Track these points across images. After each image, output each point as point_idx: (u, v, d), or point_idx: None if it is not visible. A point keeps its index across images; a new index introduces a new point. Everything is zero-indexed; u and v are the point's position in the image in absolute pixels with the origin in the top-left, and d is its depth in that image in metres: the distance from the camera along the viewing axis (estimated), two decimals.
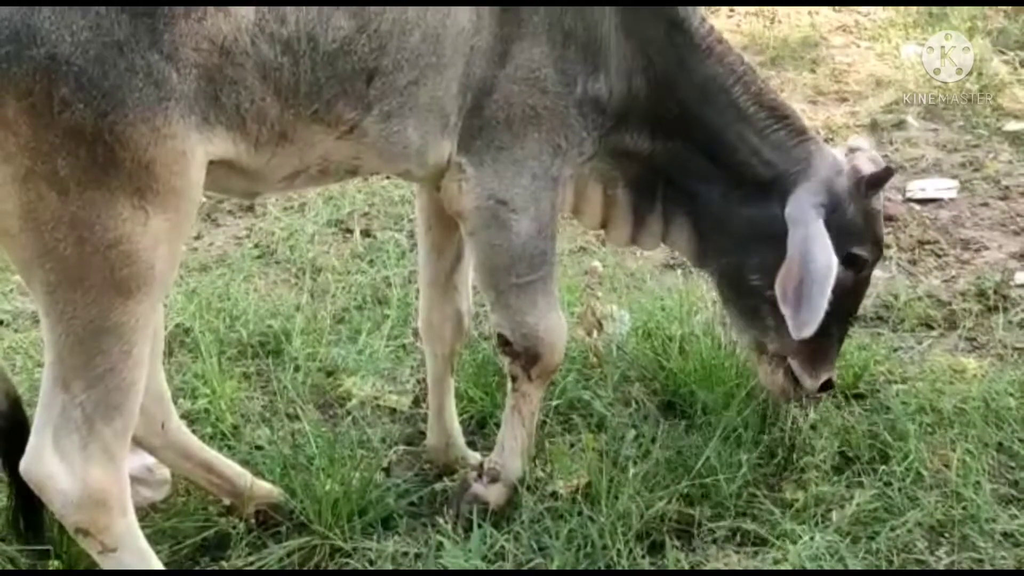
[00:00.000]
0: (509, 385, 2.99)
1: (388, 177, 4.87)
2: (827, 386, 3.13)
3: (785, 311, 2.81)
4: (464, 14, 2.55)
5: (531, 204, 2.76)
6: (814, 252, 2.80)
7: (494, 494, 3.00)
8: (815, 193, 2.89)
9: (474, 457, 3.21)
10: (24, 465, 2.39)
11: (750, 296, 3.02)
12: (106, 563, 2.46)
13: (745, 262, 2.99)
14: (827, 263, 2.79)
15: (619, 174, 2.99)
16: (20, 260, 2.31)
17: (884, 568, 2.82)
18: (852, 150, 3.06)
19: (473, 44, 2.58)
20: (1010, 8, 6.80)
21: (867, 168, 2.97)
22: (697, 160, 2.95)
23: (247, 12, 2.30)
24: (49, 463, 2.35)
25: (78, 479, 2.34)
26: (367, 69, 2.47)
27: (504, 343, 2.91)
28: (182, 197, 2.31)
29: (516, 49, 2.63)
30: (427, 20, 2.50)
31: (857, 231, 2.96)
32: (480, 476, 3.02)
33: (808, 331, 2.79)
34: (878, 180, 2.95)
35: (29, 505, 2.71)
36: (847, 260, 2.92)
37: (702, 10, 2.92)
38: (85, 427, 2.33)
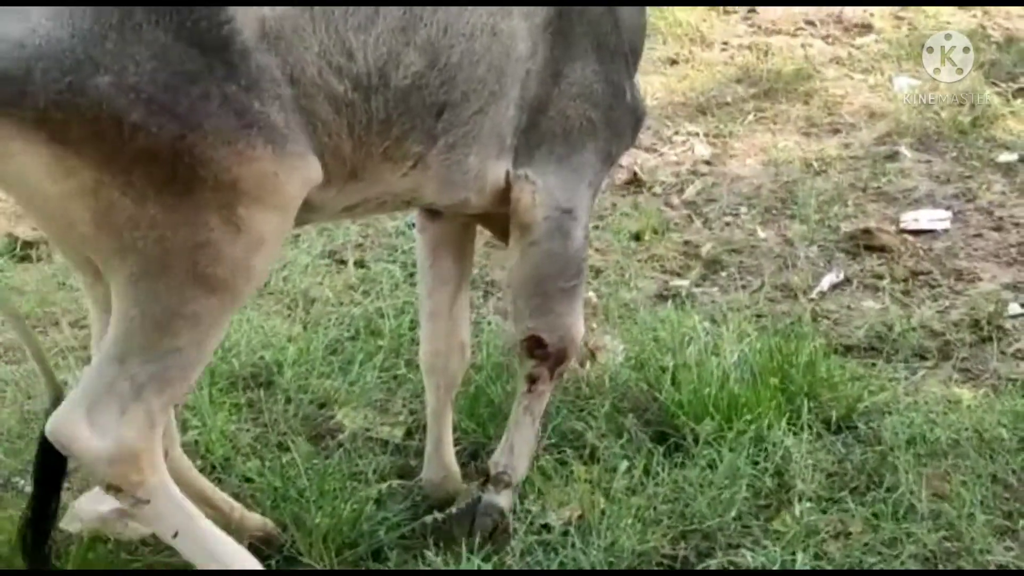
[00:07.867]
0: (521, 388, 3.02)
1: None
2: None
3: None
4: (523, 42, 2.62)
5: (584, 212, 2.85)
6: None
7: (505, 500, 3.00)
8: None
9: (471, 491, 3.18)
10: (51, 425, 2.37)
11: None
12: (142, 516, 2.46)
13: None
14: None
15: None
16: (97, 255, 2.31)
17: None
18: None
19: (528, 68, 2.66)
20: (1002, 39, 6.83)
21: None
22: None
23: (311, 43, 2.32)
24: (78, 424, 2.32)
25: (111, 437, 2.32)
26: (437, 103, 2.51)
27: (538, 345, 2.94)
28: (279, 213, 2.33)
29: (568, 69, 2.73)
30: (492, 50, 2.56)
31: None
32: (486, 485, 3.02)
33: None
34: None
35: (35, 533, 2.70)
36: None
37: None
38: (131, 394, 2.31)
